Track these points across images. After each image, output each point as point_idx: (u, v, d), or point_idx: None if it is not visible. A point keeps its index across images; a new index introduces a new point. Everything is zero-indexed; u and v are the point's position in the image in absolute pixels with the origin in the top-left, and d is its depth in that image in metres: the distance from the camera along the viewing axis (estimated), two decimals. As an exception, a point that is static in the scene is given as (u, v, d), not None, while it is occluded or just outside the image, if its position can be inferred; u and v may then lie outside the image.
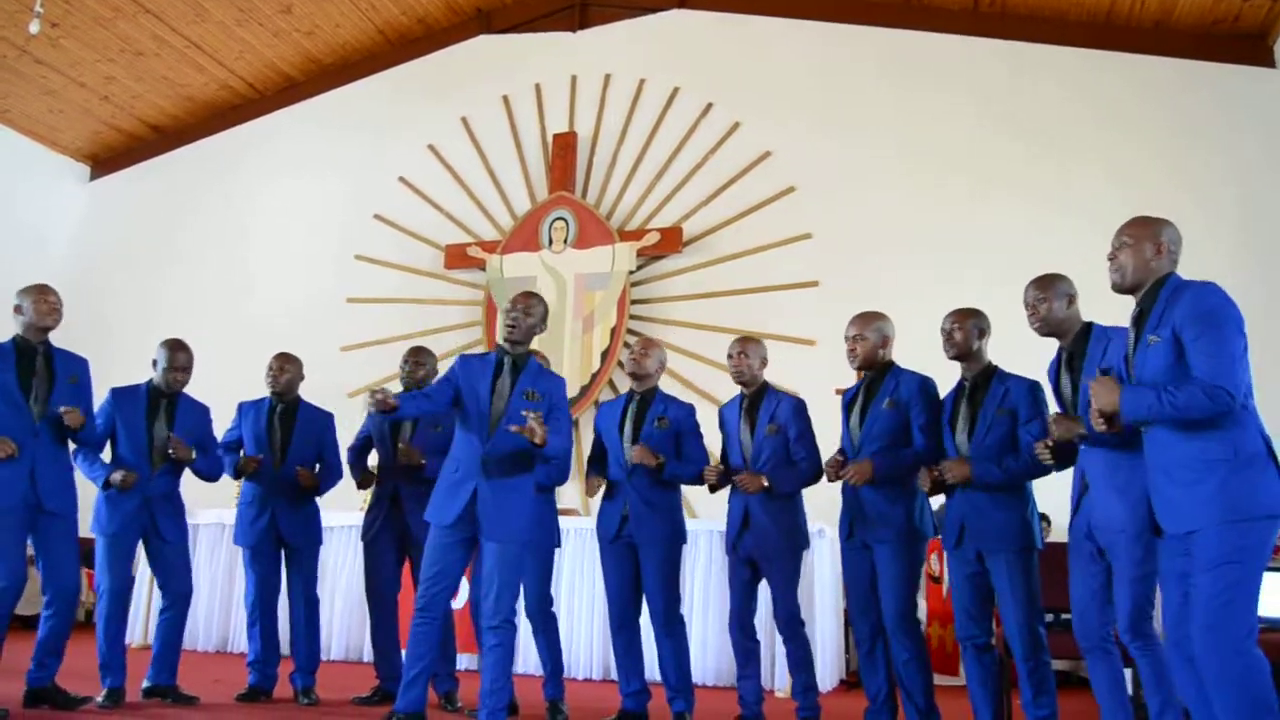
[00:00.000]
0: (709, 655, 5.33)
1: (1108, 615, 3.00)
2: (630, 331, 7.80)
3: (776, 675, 5.05)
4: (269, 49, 8.80)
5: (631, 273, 7.91)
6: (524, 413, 3.45)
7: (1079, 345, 3.15)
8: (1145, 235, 2.75)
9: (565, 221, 8.15)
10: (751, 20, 8.18)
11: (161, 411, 4.28)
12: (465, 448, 3.62)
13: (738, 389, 4.14)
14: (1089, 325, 3.18)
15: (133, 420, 4.23)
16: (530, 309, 3.68)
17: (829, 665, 5.34)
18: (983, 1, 7.51)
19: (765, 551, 3.89)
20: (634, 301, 7.89)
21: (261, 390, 4.63)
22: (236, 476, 4.50)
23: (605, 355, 7.79)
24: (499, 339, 3.77)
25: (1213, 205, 6.60)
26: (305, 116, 9.33)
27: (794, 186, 7.70)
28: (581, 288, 8.02)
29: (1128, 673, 3.95)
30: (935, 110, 7.50)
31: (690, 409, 4.18)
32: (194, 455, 4.27)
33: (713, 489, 4.05)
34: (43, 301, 3.97)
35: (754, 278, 7.62)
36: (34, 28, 6.62)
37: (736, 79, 8.08)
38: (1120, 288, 2.80)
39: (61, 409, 3.92)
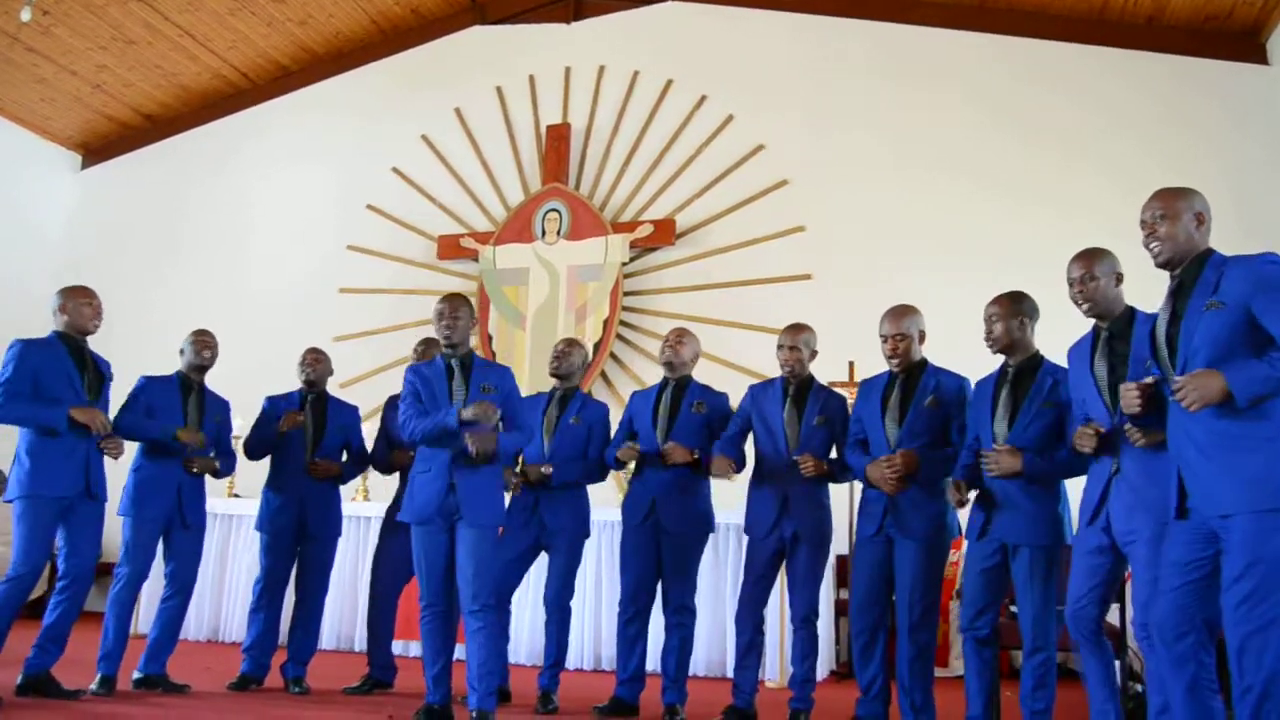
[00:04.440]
0: (699, 645, 5.33)
1: (1104, 609, 2.99)
2: (623, 323, 7.81)
3: (767, 665, 5.07)
4: (262, 38, 8.76)
5: (624, 264, 7.90)
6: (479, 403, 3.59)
7: (1120, 328, 2.99)
8: (1183, 207, 2.63)
9: (558, 213, 8.15)
10: (746, 13, 8.17)
11: (194, 398, 4.42)
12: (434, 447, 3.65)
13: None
14: (1131, 310, 3.03)
15: (168, 406, 4.34)
16: (458, 315, 3.73)
17: (820, 656, 5.36)
18: (977, -4, 7.53)
19: (803, 541, 3.87)
20: (627, 293, 7.89)
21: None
22: (281, 431, 4.54)
23: (598, 347, 7.79)
24: (442, 345, 3.83)
25: (1207, 200, 6.60)
26: (298, 106, 9.29)
27: (787, 180, 7.70)
28: (574, 279, 8.02)
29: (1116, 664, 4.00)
30: (929, 104, 7.51)
31: (725, 397, 4.19)
32: (217, 466, 4.45)
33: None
34: (87, 305, 4.22)
35: (747, 270, 7.63)
36: (25, 15, 6.60)
37: (730, 72, 8.07)
38: (1166, 263, 2.66)
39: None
